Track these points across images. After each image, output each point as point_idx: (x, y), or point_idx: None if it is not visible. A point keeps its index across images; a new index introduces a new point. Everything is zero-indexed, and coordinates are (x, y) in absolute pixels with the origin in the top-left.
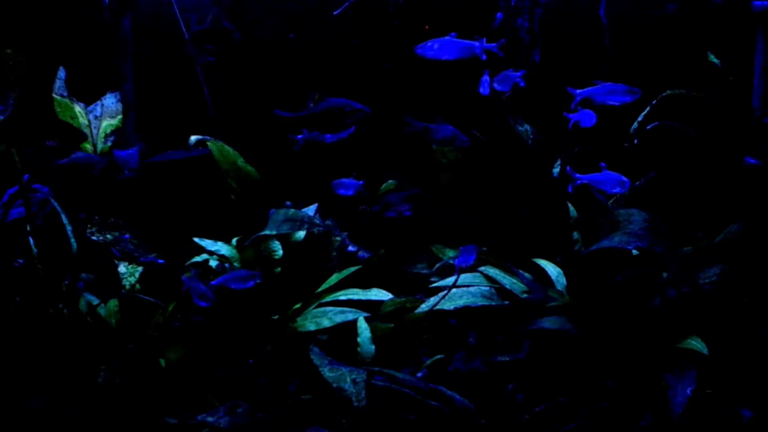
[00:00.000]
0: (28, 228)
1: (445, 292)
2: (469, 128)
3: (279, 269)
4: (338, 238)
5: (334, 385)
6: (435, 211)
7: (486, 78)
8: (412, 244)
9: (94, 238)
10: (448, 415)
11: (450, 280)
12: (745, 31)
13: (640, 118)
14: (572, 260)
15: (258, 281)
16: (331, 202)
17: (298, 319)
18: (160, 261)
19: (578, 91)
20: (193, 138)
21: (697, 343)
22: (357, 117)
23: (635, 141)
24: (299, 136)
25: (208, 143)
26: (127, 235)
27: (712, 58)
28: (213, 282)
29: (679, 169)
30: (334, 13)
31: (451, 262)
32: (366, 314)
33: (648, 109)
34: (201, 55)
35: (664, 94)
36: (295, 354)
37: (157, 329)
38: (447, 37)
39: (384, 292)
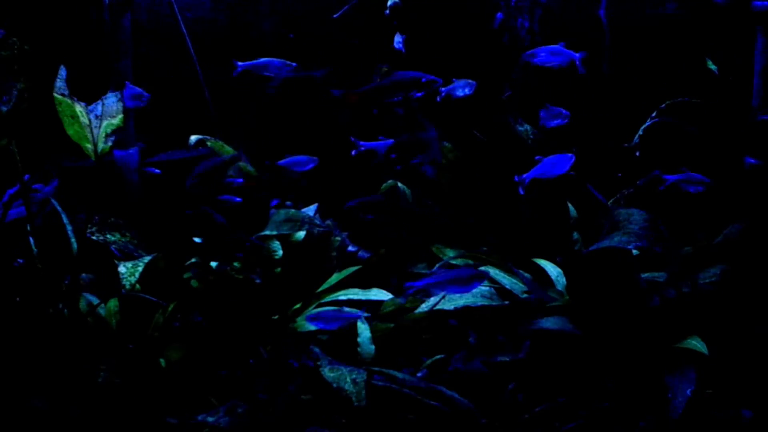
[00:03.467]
0: (28, 228)
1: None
2: (469, 128)
3: (279, 269)
4: (338, 238)
5: (334, 385)
6: (435, 211)
7: None
8: (412, 244)
9: (94, 238)
10: (448, 415)
11: None
12: (746, 31)
13: (640, 132)
14: (572, 260)
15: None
16: (331, 202)
17: (298, 319)
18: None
19: None
20: (193, 138)
21: (697, 343)
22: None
23: (637, 153)
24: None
25: (208, 143)
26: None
27: (710, 65)
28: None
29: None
30: (334, 16)
31: (451, 262)
32: (366, 314)
33: (649, 122)
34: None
35: (664, 105)
36: (295, 354)
37: (157, 329)
38: None
39: (384, 292)
